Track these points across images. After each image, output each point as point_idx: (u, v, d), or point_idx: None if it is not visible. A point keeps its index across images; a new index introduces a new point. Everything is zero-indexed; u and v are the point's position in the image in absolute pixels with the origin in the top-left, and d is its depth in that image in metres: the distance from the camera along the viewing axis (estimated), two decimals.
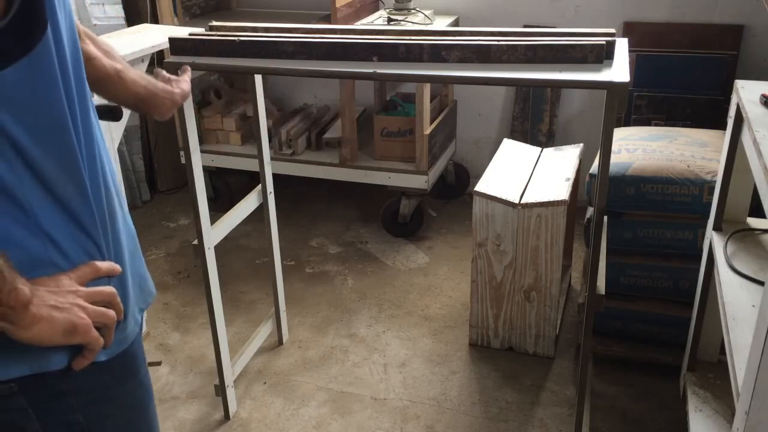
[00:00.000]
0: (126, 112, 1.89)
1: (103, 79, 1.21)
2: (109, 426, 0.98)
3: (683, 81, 2.96)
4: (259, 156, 2.17)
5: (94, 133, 0.92)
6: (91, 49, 1.17)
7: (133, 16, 3.29)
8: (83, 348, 0.87)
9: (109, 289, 0.90)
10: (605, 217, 1.73)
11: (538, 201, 2.20)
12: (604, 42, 1.48)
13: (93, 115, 0.92)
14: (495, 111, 3.47)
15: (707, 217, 1.90)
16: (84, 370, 0.89)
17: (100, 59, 1.19)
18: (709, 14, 2.98)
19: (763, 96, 1.53)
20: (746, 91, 1.60)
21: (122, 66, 1.24)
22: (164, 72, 1.54)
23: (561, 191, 2.24)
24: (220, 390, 2.12)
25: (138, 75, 1.29)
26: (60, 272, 0.85)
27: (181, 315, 2.69)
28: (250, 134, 3.39)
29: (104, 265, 0.90)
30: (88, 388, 0.93)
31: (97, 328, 0.87)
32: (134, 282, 1.01)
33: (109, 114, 1.75)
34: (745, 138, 1.55)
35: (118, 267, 0.92)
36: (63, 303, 0.83)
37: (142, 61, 2.11)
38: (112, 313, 0.89)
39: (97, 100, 1.87)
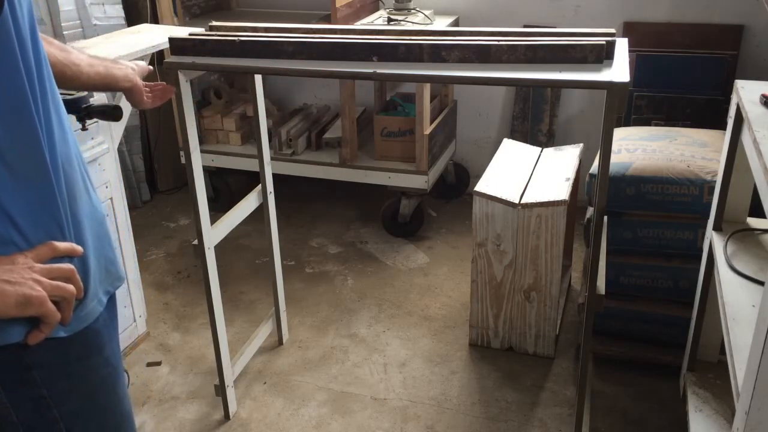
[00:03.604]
0: (126, 112, 1.89)
1: (59, 73, 1.29)
2: (75, 402, 1.00)
3: (683, 81, 2.96)
4: (259, 156, 2.17)
5: (57, 113, 0.94)
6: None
7: (133, 16, 3.29)
8: (40, 322, 0.89)
9: (67, 265, 0.91)
10: (605, 217, 1.73)
11: (538, 201, 2.20)
12: (604, 42, 1.48)
13: (57, 96, 0.95)
14: (495, 111, 3.47)
15: (707, 217, 1.90)
16: (45, 345, 0.91)
17: (54, 55, 1.27)
18: (709, 14, 2.98)
19: (763, 96, 1.53)
20: (746, 91, 1.60)
21: (75, 57, 1.33)
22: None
23: (561, 191, 2.24)
24: (220, 390, 2.12)
25: (94, 63, 1.39)
26: (17, 252, 0.87)
27: (181, 315, 2.69)
28: (250, 134, 3.39)
29: (63, 245, 0.91)
30: (50, 362, 0.95)
31: (56, 303, 0.89)
32: (99, 264, 1.02)
33: (109, 114, 1.76)
34: (745, 138, 1.55)
35: (78, 248, 0.93)
36: (16, 278, 0.85)
37: (142, 61, 2.11)
38: (70, 287, 0.90)
39: (97, 100, 1.87)
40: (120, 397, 1.10)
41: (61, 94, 1.74)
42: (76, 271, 0.92)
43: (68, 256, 0.92)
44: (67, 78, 1.33)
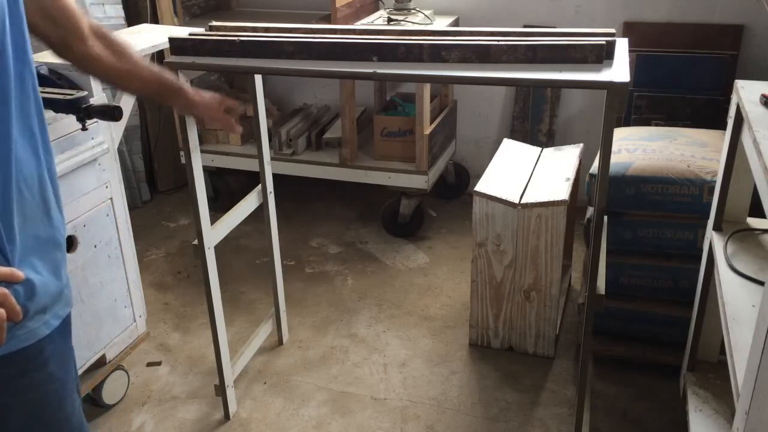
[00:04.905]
0: (126, 113, 1.89)
1: (112, 78, 1.37)
2: (16, 418, 1.00)
3: (683, 81, 2.96)
4: (259, 156, 2.17)
5: (26, 134, 0.94)
6: (95, 51, 1.29)
7: (133, 16, 3.29)
8: None
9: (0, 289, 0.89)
10: (605, 217, 1.73)
11: (538, 201, 2.20)
12: (604, 42, 1.48)
13: (29, 118, 0.95)
14: (495, 111, 3.47)
15: (707, 217, 1.90)
16: None
17: (104, 59, 1.31)
18: (709, 14, 2.98)
19: (763, 96, 1.53)
20: (746, 91, 1.60)
21: (132, 66, 1.38)
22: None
23: (561, 191, 2.24)
24: (220, 390, 2.12)
25: (150, 73, 1.43)
26: None
27: (181, 315, 2.69)
28: (250, 134, 3.38)
29: (1, 269, 0.89)
30: None
31: None
32: (49, 288, 1.02)
33: (109, 114, 1.76)
34: (745, 138, 1.55)
35: (18, 273, 0.91)
36: None
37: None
38: (0, 311, 0.87)
39: (97, 100, 1.87)
40: (68, 414, 1.10)
41: (60, 94, 1.74)
42: (9, 293, 0.89)
43: (6, 282, 0.90)
44: (115, 84, 1.46)
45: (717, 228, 1.83)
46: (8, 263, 0.93)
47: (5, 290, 0.90)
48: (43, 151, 1.01)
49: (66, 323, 1.09)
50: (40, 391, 1.04)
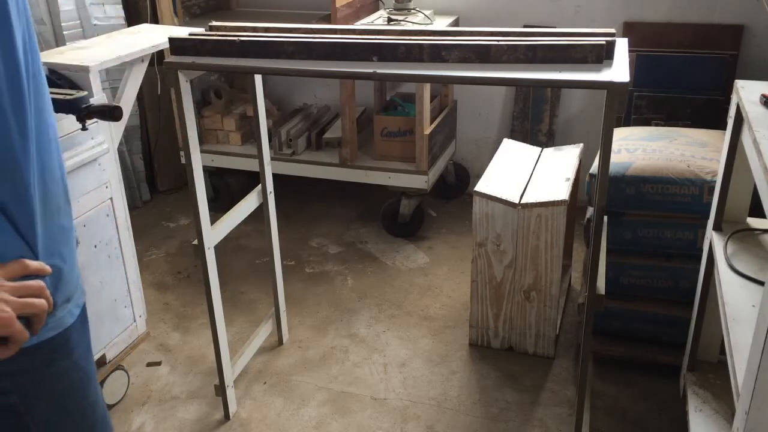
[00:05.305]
0: (126, 113, 1.89)
1: None
2: (44, 406, 1.00)
3: (683, 81, 2.96)
4: (259, 156, 2.17)
5: (41, 127, 0.94)
6: None
7: (133, 16, 3.29)
8: (7, 339, 0.88)
9: (37, 282, 0.90)
10: (605, 217, 1.73)
11: (538, 201, 2.20)
12: (604, 42, 1.48)
13: (44, 110, 0.96)
14: (495, 111, 3.47)
15: (707, 217, 1.90)
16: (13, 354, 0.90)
17: None
18: (709, 14, 2.98)
19: (763, 96, 1.53)
20: (746, 91, 1.60)
21: None
22: None
23: (561, 191, 2.24)
24: (220, 390, 2.12)
25: None
26: None
27: (181, 315, 2.69)
28: (250, 134, 3.39)
29: (34, 263, 0.91)
30: (19, 369, 0.95)
31: (27, 318, 0.88)
32: (72, 277, 1.03)
33: (109, 114, 1.76)
34: (745, 138, 1.55)
35: (47, 268, 0.93)
36: None
37: (142, 61, 2.11)
38: (40, 301, 0.89)
39: (97, 100, 1.87)
40: (92, 403, 1.10)
41: (60, 94, 1.75)
42: (46, 286, 0.91)
43: (38, 275, 0.91)
44: None
45: (717, 228, 1.83)
46: (35, 256, 0.93)
47: (42, 283, 0.92)
48: (57, 143, 1.01)
49: (84, 312, 1.09)
50: (66, 380, 1.04)
